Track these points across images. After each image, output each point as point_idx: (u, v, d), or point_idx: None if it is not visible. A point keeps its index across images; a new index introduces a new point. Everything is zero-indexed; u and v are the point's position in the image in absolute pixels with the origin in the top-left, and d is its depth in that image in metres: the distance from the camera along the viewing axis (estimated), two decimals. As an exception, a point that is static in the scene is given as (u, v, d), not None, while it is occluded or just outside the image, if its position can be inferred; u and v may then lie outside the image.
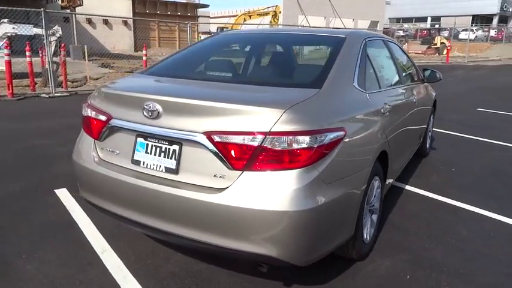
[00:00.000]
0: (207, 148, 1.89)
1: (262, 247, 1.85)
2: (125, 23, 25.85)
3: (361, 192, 2.21)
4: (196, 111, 1.93)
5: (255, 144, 1.80)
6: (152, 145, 2.10)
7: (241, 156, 1.83)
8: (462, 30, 37.12)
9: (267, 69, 2.95)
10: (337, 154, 1.97)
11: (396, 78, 3.44)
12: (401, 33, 38.91)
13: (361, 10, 38.37)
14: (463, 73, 16.99)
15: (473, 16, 45.54)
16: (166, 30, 28.93)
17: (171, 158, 2.03)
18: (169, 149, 2.04)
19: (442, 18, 45.83)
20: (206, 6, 34.00)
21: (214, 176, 1.91)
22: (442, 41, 29.51)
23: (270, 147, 1.79)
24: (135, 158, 2.15)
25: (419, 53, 28.85)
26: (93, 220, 2.99)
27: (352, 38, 2.79)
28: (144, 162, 2.12)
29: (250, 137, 1.81)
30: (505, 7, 45.56)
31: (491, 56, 24.66)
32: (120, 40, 23.88)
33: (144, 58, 11.31)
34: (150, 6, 28.08)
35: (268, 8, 28.53)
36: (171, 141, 2.02)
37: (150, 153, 2.10)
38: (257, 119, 1.82)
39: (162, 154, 2.06)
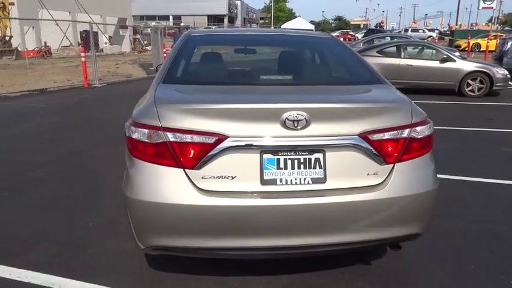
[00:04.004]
0: (360, 149, 2.04)
1: (413, 227, 2.19)
2: None
3: None
4: (348, 115, 2.03)
5: (404, 136, 2.10)
6: (286, 159, 2.02)
7: (394, 150, 2.09)
8: (204, 28, 41.96)
9: (316, 69, 3.04)
10: None
11: None
12: (149, 30, 40.33)
13: (109, 6, 37.53)
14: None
15: (209, 16, 52.27)
16: None
17: (315, 168, 2.03)
18: (310, 158, 2.03)
19: (182, 17, 50.38)
20: None
21: (367, 174, 2.08)
22: (190, 39, 32.76)
23: (415, 136, 2.13)
24: (266, 177, 2.00)
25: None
26: None
27: (331, 35, 3.28)
28: (281, 179, 2.01)
29: (400, 130, 2.09)
30: (232, 9, 54.62)
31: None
32: None
33: None
34: None
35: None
36: (312, 150, 2.02)
37: (286, 168, 2.02)
38: (400, 114, 2.12)
39: (302, 166, 2.02)
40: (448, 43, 30.34)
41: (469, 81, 10.04)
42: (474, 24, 67.03)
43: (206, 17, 51.47)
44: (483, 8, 59.12)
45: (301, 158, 2.02)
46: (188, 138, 1.96)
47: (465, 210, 3.62)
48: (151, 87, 2.44)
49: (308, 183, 2.02)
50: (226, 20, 54.75)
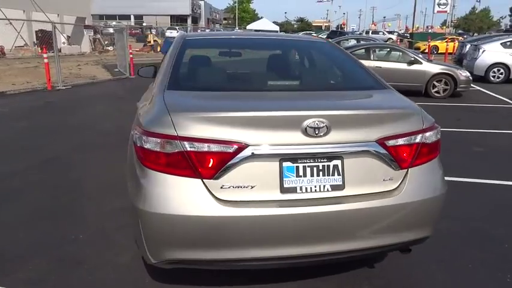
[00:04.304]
0: (377, 155, 2.07)
1: (424, 230, 2.24)
2: None
3: None
4: (366, 121, 2.05)
5: (417, 141, 2.15)
6: (305, 166, 2.01)
7: (408, 155, 2.13)
8: (167, 29, 41.27)
9: (320, 74, 3.02)
10: None
11: None
12: (110, 30, 39.26)
13: (66, 5, 36.26)
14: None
15: (172, 16, 51.46)
16: None
17: (333, 175, 2.04)
18: (328, 165, 2.03)
19: (144, 17, 49.32)
20: None
21: (383, 180, 2.11)
22: (154, 38, 32.07)
23: (426, 142, 2.18)
24: (286, 185, 1.98)
25: (138, 51, 30.25)
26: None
27: (327, 40, 3.31)
28: (301, 187, 2.00)
29: (414, 136, 2.14)
30: (195, 9, 54.06)
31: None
32: None
33: None
34: None
35: None
36: (331, 157, 2.03)
37: (305, 176, 2.01)
38: (413, 120, 2.17)
39: (321, 173, 2.02)
40: (408, 45, 31.50)
41: (435, 82, 10.47)
42: (430, 27, 70.07)
43: (169, 17, 50.68)
44: (438, 11, 61.96)
45: (320, 165, 2.02)
46: (207, 147, 1.91)
47: (454, 211, 3.75)
48: (155, 94, 2.35)
49: (327, 190, 2.02)
50: (189, 21, 54.15)
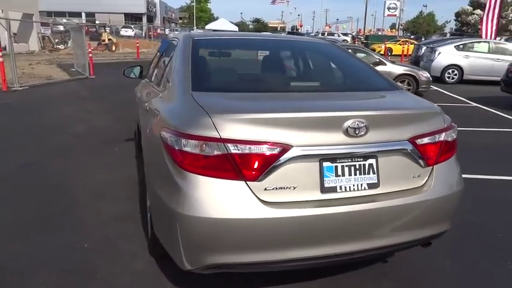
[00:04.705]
0: (407, 153, 2.16)
1: (446, 224, 2.37)
2: None
3: None
4: (399, 121, 2.13)
5: (441, 139, 2.27)
6: (343, 166, 2.06)
7: (434, 153, 2.25)
8: (122, 28, 40.03)
9: (337, 75, 3.05)
10: None
11: None
12: (61, 28, 37.54)
13: (12, 1, 34.37)
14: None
15: (126, 14, 49.94)
16: None
17: (369, 173, 2.10)
18: (364, 164, 2.09)
19: (96, 14, 47.47)
20: None
21: (413, 177, 2.21)
22: (109, 37, 31.03)
23: (447, 139, 2.30)
24: (327, 185, 2.02)
25: (92, 50, 29.15)
26: None
27: (331, 42, 3.38)
28: (340, 186, 2.05)
29: (438, 134, 2.26)
30: (150, 8, 52.80)
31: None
32: None
33: None
34: None
35: None
36: (367, 156, 2.09)
37: (343, 175, 2.06)
38: (436, 119, 2.29)
39: (358, 172, 2.08)
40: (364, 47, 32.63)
41: (399, 83, 10.95)
42: (381, 30, 73.09)
43: (123, 15, 49.16)
44: (388, 15, 64.73)
45: (357, 164, 2.08)
46: (251, 149, 1.90)
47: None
48: (179, 95, 2.31)
49: (364, 188, 2.09)
50: (144, 19, 52.79)
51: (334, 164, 2.04)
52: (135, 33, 42.24)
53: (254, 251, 1.98)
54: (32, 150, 5.38)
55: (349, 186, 2.06)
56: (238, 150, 1.90)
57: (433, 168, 2.26)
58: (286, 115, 1.99)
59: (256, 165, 1.92)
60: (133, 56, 23.75)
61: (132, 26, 42.86)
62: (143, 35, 43.35)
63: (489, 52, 14.13)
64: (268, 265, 2.06)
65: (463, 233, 3.34)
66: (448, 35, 42.92)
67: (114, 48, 28.86)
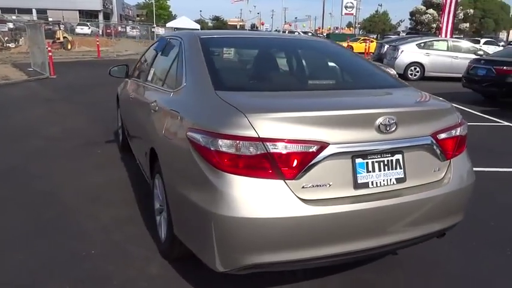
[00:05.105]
0: (430, 148, 2.26)
1: (460, 215, 2.49)
2: None
3: None
4: (422, 117, 2.22)
5: (457, 133, 2.38)
6: (374, 162, 2.12)
7: (451, 147, 2.35)
8: (77, 25, 38.51)
9: (348, 73, 3.08)
10: None
11: None
12: (10, 25, 35.53)
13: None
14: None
15: (81, 11, 48.00)
16: None
17: (396, 168, 2.18)
18: (392, 160, 2.16)
19: (48, 11, 45.28)
20: None
21: (434, 171, 2.31)
22: (64, 35, 29.77)
23: (461, 134, 2.42)
24: (359, 181, 2.07)
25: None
26: None
27: (332, 40, 3.46)
28: (372, 182, 2.11)
29: (455, 129, 2.37)
30: (107, 5, 51.08)
31: (122, 50, 27.31)
32: None
33: None
34: None
35: None
36: (394, 151, 2.16)
37: (373, 171, 2.12)
38: (452, 115, 2.40)
39: (386, 167, 2.15)
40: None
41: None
42: (340, 28, 74.92)
43: (77, 12, 47.23)
44: (345, 14, 66.38)
45: (385, 160, 2.14)
46: (289, 148, 1.91)
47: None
48: (205, 96, 2.29)
49: (393, 183, 2.15)
50: (101, 17, 50.99)
51: (365, 161, 2.09)
52: (91, 31, 40.71)
53: (292, 249, 1.99)
54: (6, 154, 5.09)
55: (380, 182, 2.12)
56: (277, 149, 1.91)
57: (450, 162, 2.37)
58: (324, 113, 2.01)
59: (295, 164, 1.93)
60: (94, 54, 22.91)
61: (88, 24, 41.27)
62: (100, 32, 41.86)
63: (448, 50, 14.87)
64: (304, 262, 2.08)
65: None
66: (401, 34, 44.67)
67: (70, 47, 27.71)
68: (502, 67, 9.57)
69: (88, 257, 2.81)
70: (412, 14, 43.03)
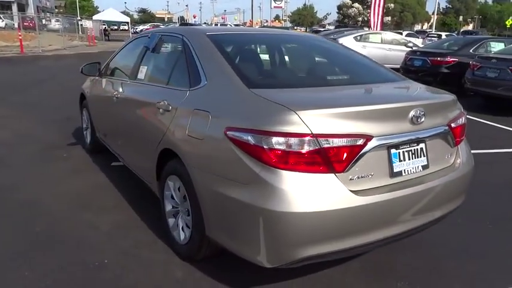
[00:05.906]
0: (446, 136, 2.49)
1: (463, 197, 2.75)
2: None
3: None
4: (441, 108, 2.44)
5: (463, 122, 2.64)
6: (404, 151, 2.30)
7: (460, 134, 2.61)
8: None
9: (355, 68, 3.17)
10: None
11: None
12: None
13: None
14: (52, 63, 17.16)
15: (-9, 2, 43.52)
16: None
17: (420, 156, 2.38)
18: (417, 149, 2.36)
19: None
20: None
21: (447, 157, 2.55)
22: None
23: (465, 122, 2.68)
24: (395, 170, 2.23)
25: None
26: None
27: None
28: (404, 170, 2.28)
29: (462, 118, 2.62)
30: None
31: (45, 45, 25.34)
32: None
33: None
34: None
35: None
36: (418, 141, 2.35)
37: (404, 160, 2.30)
38: (457, 105, 2.65)
39: (413, 156, 2.34)
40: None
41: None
42: (270, 21, 76.10)
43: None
44: (275, 7, 67.55)
45: (412, 149, 2.32)
46: (340, 142, 2.01)
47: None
48: (241, 94, 2.30)
49: (420, 170, 2.35)
50: (15, 8, 46.61)
51: (398, 151, 2.25)
52: (5, 24, 37.30)
53: (341, 239, 2.10)
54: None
55: (410, 169, 2.31)
56: (329, 144, 1.99)
57: (458, 148, 2.62)
58: (369, 107, 2.14)
59: (344, 157, 2.03)
60: (15, 50, 21.04)
61: (1, 16, 37.74)
62: (16, 26, 38.43)
63: (382, 42, 15.85)
64: (352, 250, 2.19)
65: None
66: (327, 27, 46.53)
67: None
68: (436, 58, 10.49)
69: (103, 267, 2.68)
70: (339, 7, 45.08)
